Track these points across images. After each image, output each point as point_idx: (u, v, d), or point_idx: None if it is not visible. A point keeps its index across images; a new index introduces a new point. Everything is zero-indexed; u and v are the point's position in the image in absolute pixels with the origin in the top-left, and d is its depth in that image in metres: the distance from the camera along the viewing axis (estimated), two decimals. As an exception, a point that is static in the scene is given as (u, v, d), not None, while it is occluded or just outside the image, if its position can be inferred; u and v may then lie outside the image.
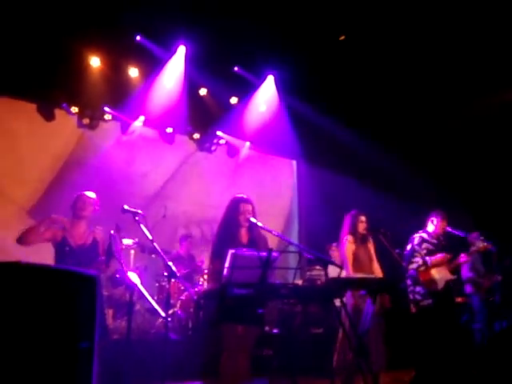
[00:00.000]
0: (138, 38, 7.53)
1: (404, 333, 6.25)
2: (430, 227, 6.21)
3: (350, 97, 8.61)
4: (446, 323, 5.85)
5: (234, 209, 4.41)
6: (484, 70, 7.88)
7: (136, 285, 4.18)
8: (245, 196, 4.51)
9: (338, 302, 4.61)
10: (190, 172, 9.23)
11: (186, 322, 7.09)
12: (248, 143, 9.54)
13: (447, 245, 6.22)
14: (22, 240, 4.55)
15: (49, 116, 7.65)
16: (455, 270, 6.27)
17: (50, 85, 7.30)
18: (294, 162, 10.54)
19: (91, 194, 4.78)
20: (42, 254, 4.61)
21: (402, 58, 7.83)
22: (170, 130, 8.73)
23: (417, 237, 6.14)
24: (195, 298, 6.78)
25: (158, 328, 6.76)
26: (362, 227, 5.62)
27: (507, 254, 6.82)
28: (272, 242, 4.64)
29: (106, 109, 8.01)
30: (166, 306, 4.65)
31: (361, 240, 5.63)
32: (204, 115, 8.81)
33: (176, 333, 6.84)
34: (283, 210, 10.23)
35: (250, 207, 4.40)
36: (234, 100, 8.89)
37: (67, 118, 7.86)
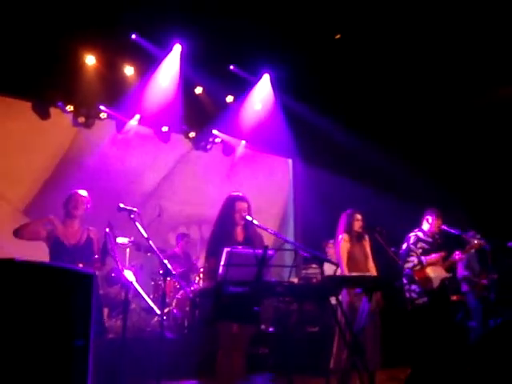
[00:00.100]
0: (134, 36, 7.52)
1: (400, 331, 6.25)
2: (425, 226, 6.22)
3: (346, 95, 8.62)
4: (442, 321, 5.87)
5: (230, 207, 4.40)
6: (480, 69, 7.89)
7: (131, 283, 4.17)
8: (240, 194, 4.50)
9: (333, 300, 4.62)
10: (186, 171, 9.22)
11: (181, 320, 7.08)
12: (244, 142, 9.54)
13: (442, 243, 6.23)
14: (18, 233, 4.58)
15: (44, 114, 7.62)
16: (450, 268, 6.28)
17: (45, 83, 7.28)
18: (290, 161, 10.55)
19: (83, 192, 4.77)
20: (39, 253, 4.62)
21: (400, 58, 7.84)
22: (165, 128, 8.71)
23: (412, 236, 6.15)
24: (191, 296, 6.77)
25: (153, 327, 6.76)
26: (357, 225, 5.62)
27: (506, 253, 6.83)
28: (268, 239, 4.63)
29: (102, 107, 7.99)
30: (162, 304, 4.63)
31: (356, 238, 5.63)
32: (200, 114, 8.80)
33: (172, 331, 6.83)
34: (279, 208, 10.24)
35: (245, 205, 4.40)
36: (229, 98, 8.89)
37: (62, 117, 7.83)
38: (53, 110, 7.69)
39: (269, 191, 9.85)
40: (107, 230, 4.27)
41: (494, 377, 4.17)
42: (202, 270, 7.17)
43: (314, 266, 7.61)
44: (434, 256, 5.98)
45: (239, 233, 4.41)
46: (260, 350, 6.63)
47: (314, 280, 7.37)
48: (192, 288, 7.10)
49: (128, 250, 7.10)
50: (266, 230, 4.38)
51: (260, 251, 3.85)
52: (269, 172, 10.07)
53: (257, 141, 9.50)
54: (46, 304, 2.16)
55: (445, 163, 9.08)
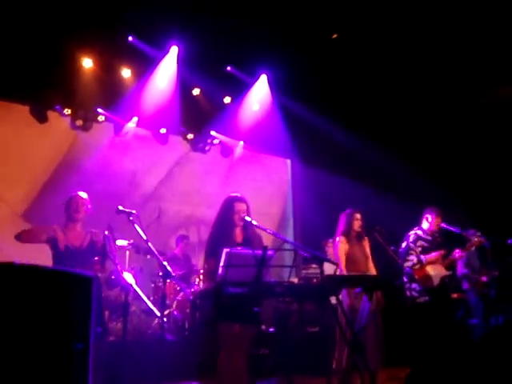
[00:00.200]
0: (130, 38, 7.51)
1: (401, 330, 6.25)
2: (425, 224, 6.22)
3: (344, 95, 8.62)
4: (443, 319, 5.86)
5: (229, 208, 4.40)
6: (480, 69, 7.89)
7: (131, 286, 4.16)
8: (239, 195, 4.50)
9: (333, 300, 4.61)
10: (184, 172, 9.22)
11: (182, 322, 7.07)
12: (242, 143, 9.53)
13: (442, 242, 6.24)
14: (20, 237, 4.57)
15: (42, 118, 7.62)
16: (450, 266, 6.28)
17: (43, 86, 7.27)
18: (289, 161, 10.55)
19: (83, 195, 4.76)
20: (41, 256, 4.62)
21: (398, 57, 7.84)
22: (163, 130, 8.71)
23: (412, 234, 6.15)
24: (191, 298, 6.77)
25: (154, 329, 6.75)
26: (357, 225, 5.62)
27: (506, 250, 6.84)
28: (267, 240, 4.63)
29: (99, 110, 7.99)
30: (162, 306, 4.63)
31: (356, 238, 5.63)
32: (197, 115, 8.79)
33: (172, 333, 6.83)
34: (278, 208, 10.24)
35: (244, 206, 4.39)
36: (227, 100, 8.89)
37: (60, 120, 7.83)
38: (50, 114, 7.69)
39: (268, 192, 9.86)
40: (106, 232, 4.27)
41: (496, 375, 4.17)
42: (201, 271, 7.17)
43: (313, 265, 7.60)
44: (433, 254, 5.98)
45: (238, 234, 4.41)
46: (260, 351, 6.62)
47: (314, 280, 7.37)
48: (192, 290, 7.10)
49: (128, 252, 7.10)
50: (265, 230, 4.37)
51: (259, 252, 3.84)
52: (267, 172, 10.07)
53: (255, 142, 9.49)
54: (46, 307, 2.15)
55: (444, 162, 9.08)
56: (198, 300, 6.50)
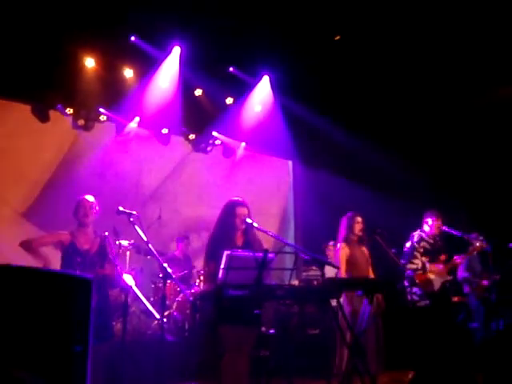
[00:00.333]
0: (133, 38, 7.50)
1: (402, 333, 6.24)
2: (426, 228, 6.24)
3: (346, 97, 8.60)
4: (443, 323, 5.85)
5: (230, 212, 4.40)
6: (480, 70, 7.87)
7: (131, 287, 4.16)
8: (240, 199, 4.49)
9: (334, 303, 4.60)
10: (186, 173, 9.21)
11: (182, 323, 7.06)
12: (244, 144, 9.52)
13: (443, 245, 6.24)
14: (24, 245, 4.54)
15: (43, 117, 7.61)
16: (452, 271, 6.29)
17: (45, 86, 7.25)
18: (290, 163, 10.53)
19: (90, 198, 4.74)
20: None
21: (398, 58, 7.82)
22: (165, 130, 8.70)
23: (416, 234, 6.19)
24: (191, 299, 6.76)
25: (153, 329, 6.74)
26: (358, 228, 5.62)
27: (507, 254, 6.82)
28: (268, 242, 4.63)
29: (101, 110, 7.97)
30: (162, 307, 4.62)
31: (357, 242, 5.63)
32: (199, 116, 8.78)
33: (172, 334, 6.82)
34: (279, 210, 10.22)
35: (245, 210, 4.39)
36: (229, 100, 8.87)
37: (62, 119, 7.81)
38: (52, 113, 7.67)
39: (269, 193, 9.85)
40: (106, 233, 4.26)
41: (497, 379, 4.15)
42: (202, 272, 7.16)
43: (314, 268, 7.59)
44: (438, 266, 5.99)
45: (239, 237, 4.40)
46: (261, 353, 6.60)
47: (315, 282, 7.36)
48: (192, 291, 7.09)
49: (128, 252, 7.09)
50: (266, 232, 4.37)
51: (260, 254, 3.84)
52: (269, 174, 10.06)
53: (257, 143, 9.48)
54: (44, 310, 2.14)
55: (445, 164, 9.06)
56: (198, 301, 6.49)
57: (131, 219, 4.23)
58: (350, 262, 5.50)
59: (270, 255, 3.88)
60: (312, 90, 8.52)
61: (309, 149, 9.60)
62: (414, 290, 5.92)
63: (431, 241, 6.16)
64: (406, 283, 5.97)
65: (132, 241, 6.77)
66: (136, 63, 7.94)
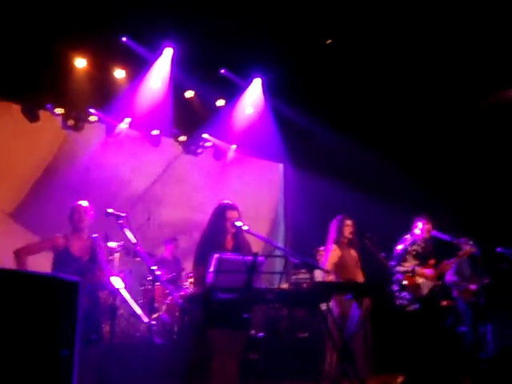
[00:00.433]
0: (124, 39, 7.46)
1: (391, 337, 6.25)
2: (416, 231, 6.26)
3: (337, 100, 8.61)
4: (432, 328, 5.87)
5: (220, 215, 4.39)
6: (470, 76, 7.91)
7: (119, 289, 4.13)
8: (231, 202, 4.48)
9: (323, 306, 4.60)
10: (176, 175, 9.17)
11: (171, 326, 7.03)
12: (234, 146, 9.50)
13: (433, 250, 6.26)
14: (18, 254, 4.52)
15: (33, 117, 7.54)
16: (440, 276, 6.32)
17: (35, 85, 7.19)
18: (281, 166, 10.52)
19: (84, 203, 4.77)
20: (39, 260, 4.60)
21: (389, 61, 7.84)
22: (155, 132, 8.66)
23: (409, 237, 6.21)
24: (180, 302, 6.73)
25: (142, 332, 6.70)
26: (348, 231, 5.62)
27: (495, 258, 6.86)
28: (258, 245, 4.61)
29: (92, 110, 7.93)
30: (150, 310, 4.59)
31: (347, 245, 5.63)
32: (190, 118, 8.75)
33: (161, 337, 6.78)
34: (270, 213, 10.21)
35: (236, 214, 4.38)
36: (220, 102, 8.85)
37: (52, 119, 7.76)
38: (42, 113, 7.61)
39: (260, 196, 9.83)
40: (95, 235, 4.24)
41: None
42: (191, 275, 7.12)
43: (303, 271, 7.58)
44: (427, 271, 6.01)
45: (229, 241, 4.39)
46: (250, 356, 6.59)
47: (304, 285, 7.33)
48: (181, 293, 7.05)
49: (117, 254, 7.04)
50: (256, 235, 4.36)
51: (250, 258, 3.82)
52: (260, 176, 10.05)
53: (248, 145, 9.46)
54: (29, 313, 2.11)
55: (435, 168, 9.09)
56: (187, 304, 6.46)
57: (120, 221, 4.21)
58: (340, 265, 5.50)
59: (260, 259, 3.87)
60: (304, 93, 8.52)
61: (300, 152, 9.60)
62: (403, 294, 5.93)
63: (422, 244, 6.19)
64: (395, 287, 5.98)
65: (121, 243, 6.73)
66: (127, 64, 7.90)
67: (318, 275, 5.81)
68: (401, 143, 9.06)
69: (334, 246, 5.56)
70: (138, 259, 6.95)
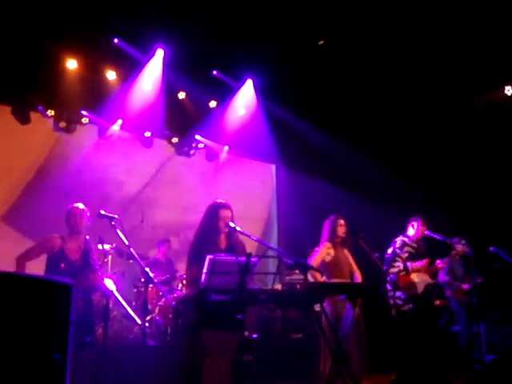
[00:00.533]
0: (116, 40, 7.44)
1: (384, 337, 6.25)
2: (411, 231, 6.27)
3: (330, 101, 8.62)
4: (426, 327, 5.88)
5: (213, 214, 4.37)
6: (461, 77, 7.95)
7: (112, 291, 4.11)
8: (224, 201, 4.47)
9: (317, 307, 4.59)
10: (169, 176, 9.15)
11: (164, 328, 7.00)
12: (227, 147, 9.49)
13: (426, 250, 6.27)
14: (19, 261, 4.51)
15: (24, 119, 7.50)
16: (434, 275, 6.33)
17: (26, 87, 7.16)
18: (273, 167, 10.52)
19: (80, 205, 4.75)
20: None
21: (380, 63, 7.86)
22: (148, 133, 8.64)
23: (399, 240, 6.20)
24: (173, 303, 6.70)
25: (135, 334, 6.67)
26: (341, 231, 5.63)
27: (488, 258, 6.89)
28: (251, 246, 4.60)
29: (83, 112, 7.89)
30: (144, 312, 4.57)
31: (340, 244, 5.63)
32: (182, 119, 8.74)
33: (154, 339, 6.76)
34: (262, 214, 10.20)
35: (229, 213, 4.37)
36: (212, 104, 8.84)
37: (43, 121, 7.72)
38: (33, 115, 7.57)
39: (252, 197, 9.82)
40: (87, 237, 4.22)
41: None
42: (184, 276, 7.10)
43: (297, 272, 7.57)
44: (419, 263, 6.01)
45: (222, 240, 4.38)
46: (244, 357, 6.58)
47: (298, 286, 7.33)
48: (175, 295, 7.03)
49: (110, 256, 7.01)
50: (249, 236, 4.35)
51: (243, 258, 3.82)
52: (252, 178, 10.04)
53: (240, 146, 9.46)
54: (21, 316, 2.09)
55: (427, 169, 9.12)
56: (181, 306, 6.44)
57: (113, 223, 4.19)
58: (333, 264, 5.50)
59: (253, 259, 3.87)
60: (296, 95, 8.53)
61: (292, 153, 9.60)
62: (398, 294, 5.93)
63: (415, 245, 6.19)
64: (388, 287, 5.98)
65: (114, 244, 6.70)
66: (119, 65, 7.87)
67: (312, 276, 5.81)
68: (393, 144, 9.08)
69: (329, 244, 5.56)
70: (130, 261, 6.93)
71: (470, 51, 7.50)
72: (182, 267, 7.65)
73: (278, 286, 7.08)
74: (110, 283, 4.16)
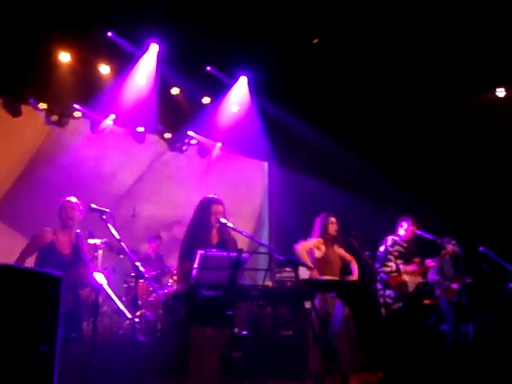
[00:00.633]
0: (110, 34, 7.40)
1: (374, 335, 6.27)
2: (401, 231, 6.29)
3: (323, 99, 8.63)
4: (415, 325, 5.91)
5: (205, 209, 4.36)
6: (453, 79, 7.98)
7: (102, 286, 4.09)
8: (216, 196, 4.46)
9: (308, 304, 4.60)
10: (161, 172, 9.13)
11: (154, 323, 6.99)
12: (219, 144, 9.48)
13: (416, 250, 6.30)
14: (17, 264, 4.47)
15: (15, 112, 7.43)
16: (425, 274, 6.36)
17: (18, 80, 7.11)
18: (266, 164, 10.52)
19: (73, 199, 4.72)
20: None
21: (374, 61, 7.88)
22: (140, 128, 8.61)
23: (390, 238, 6.23)
24: (163, 299, 6.69)
25: (125, 330, 6.65)
26: (332, 229, 5.63)
27: (477, 258, 6.92)
28: (242, 243, 4.60)
29: (76, 106, 7.84)
30: (134, 307, 4.56)
31: (332, 242, 5.64)
32: (176, 115, 8.71)
33: (144, 334, 6.74)
34: (254, 211, 10.20)
35: (221, 208, 4.36)
36: (206, 100, 8.82)
37: (35, 115, 7.67)
38: (24, 108, 7.51)
39: (244, 194, 9.82)
40: (78, 231, 4.20)
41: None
42: (175, 272, 7.09)
43: (288, 269, 7.58)
44: (411, 267, 6.04)
45: (214, 236, 4.37)
46: (233, 354, 6.58)
47: (289, 283, 7.35)
48: (165, 291, 7.02)
49: (101, 251, 6.98)
50: (240, 232, 4.34)
51: (234, 254, 3.81)
52: (244, 174, 10.03)
53: (233, 143, 9.44)
54: (8, 307, 2.07)
55: (417, 168, 9.16)
56: (171, 301, 6.43)
57: (104, 217, 4.17)
58: (323, 261, 5.51)
59: (245, 255, 3.86)
60: (289, 92, 8.53)
61: (285, 150, 9.61)
62: (388, 292, 5.95)
63: (405, 245, 6.22)
64: (379, 286, 6.00)
65: (105, 239, 6.67)
66: (112, 59, 7.83)
67: (303, 273, 5.81)
68: (385, 143, 9.11)
69: (321, 240, 5.56)
70: (121, 256, 6.91)
71: (462, 53, 7.54)
72: (171, 263, 7.65)
73: (269, 283, 7.11)
74: (100, 277, 4.13)
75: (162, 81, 8.14)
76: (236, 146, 9.58)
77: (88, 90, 7.76)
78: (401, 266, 5.99)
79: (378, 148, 9.02)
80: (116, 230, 4.17)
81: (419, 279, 6.08)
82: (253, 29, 7.24)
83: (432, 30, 7.20)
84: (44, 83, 7.39)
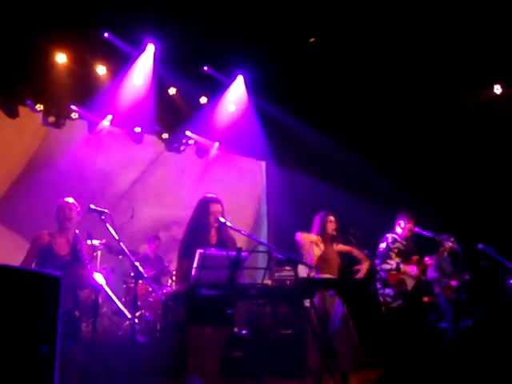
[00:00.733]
0: (106, 34, 7.39)
1: (373, 333, 6.28)
2: (398, 230, 6.29)
3: (320, 98, 8.64)
4: (415, 323, 5.91)
5: (204, 209, 4.36)
6: (451, 77, 7.99)
7: (101, 286, 4.09)
8: (214, 196, 4.46)
9: (307, 303, 4.60)
10: (159, 172, 9.12)
11: (153, 324, 6.99)
12: (217, 143, 9.48)
13: (414, 248, 6.30)
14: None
15: (12, 113, 7.42)
16: (424, 271, 6.36)
17: (15, 81, 7.10)
18: (264, 163, 10.53)
19: (70, 200, 4.69)
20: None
21: (371, 60, 7.89)
22: (138, 129, 8.60)
23: (390, 236, 6.23)
24: (163, 299, 6.69)
25: (125, 330, 6.65)
26: (330, 227, 5.63)
27: (476, 255, 6.93)
28: (241, 242, 4.60)
29: (73, 107, 7.83)
30: (133, 307, 4.55)
31: (330, 240, 5.64)
32: (173, 115, 8.71)
33: (144, 335, 6.74)
34: (252, 210, 10.21)
35: (219, 207, 4.36)
36: (203, 100, 8.82)
37: (32, 116, 7.65)
38: (22, 109, 7.50)
39: (242, 193, 9.82)
40: (76, 231, 4.19)
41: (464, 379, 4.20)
42: (174, 272, 7.10)
43: (287, 268, 7.59)
44: (411, 269, 6.04)
45: (213, 235, 4.36)
46: (233, 353, 6.58)
47: (288, 282, 7.35)
48: (164, 291, 7.02)
49: (100, 252, 6.98)
50: (239, 231, 4.34)
51: (233, 253, 3.81)
52: (242, 174, 10.04)
53: (230, 143, 9.45)
54: (8, 308, 2.07)
55: (416, 166, 9.17)
56: (170, 301, 6.42)
57: (103, 217, 4.17)
58: (322, 259, 5.50)
59: (244, 254, 3.86)
60: (286, 91, 8.53)
61: (282, 149, 9.61)
62: (387, 291, 5.95)
63: (404, 242, 6.22)
64: (378, 285, 6.01)
65: (103, 240, 6.66)
66: (109, 60, 7.83)
67: (302, 271, 5.81)
68: (383, 142, 9.12)
69: (319, 237, 5.56)
70: (120, 257, 6.90)
71: (459, 50, 7.55)
72: (170, 263, 7.65)
73: (268, 282, 7.11)
74: (99, 277, 4.13)
75: (159, 81, 8.14)
76: (234, 146, 9.58)
77: (85, 91, 7.75)
78: (401, 266, 5.99)
79: (376, 146, 9.03)
80: (115, 230, 4.16)
81: (418, 277, 6.08)
82: (249, 28, 7.24)
83: (429, 29, 7.21)
84: (41, 84, 7.38)
